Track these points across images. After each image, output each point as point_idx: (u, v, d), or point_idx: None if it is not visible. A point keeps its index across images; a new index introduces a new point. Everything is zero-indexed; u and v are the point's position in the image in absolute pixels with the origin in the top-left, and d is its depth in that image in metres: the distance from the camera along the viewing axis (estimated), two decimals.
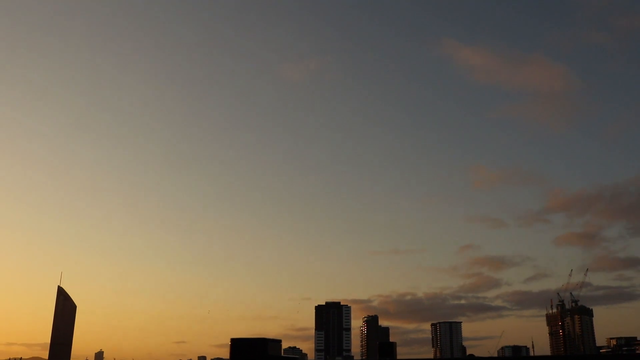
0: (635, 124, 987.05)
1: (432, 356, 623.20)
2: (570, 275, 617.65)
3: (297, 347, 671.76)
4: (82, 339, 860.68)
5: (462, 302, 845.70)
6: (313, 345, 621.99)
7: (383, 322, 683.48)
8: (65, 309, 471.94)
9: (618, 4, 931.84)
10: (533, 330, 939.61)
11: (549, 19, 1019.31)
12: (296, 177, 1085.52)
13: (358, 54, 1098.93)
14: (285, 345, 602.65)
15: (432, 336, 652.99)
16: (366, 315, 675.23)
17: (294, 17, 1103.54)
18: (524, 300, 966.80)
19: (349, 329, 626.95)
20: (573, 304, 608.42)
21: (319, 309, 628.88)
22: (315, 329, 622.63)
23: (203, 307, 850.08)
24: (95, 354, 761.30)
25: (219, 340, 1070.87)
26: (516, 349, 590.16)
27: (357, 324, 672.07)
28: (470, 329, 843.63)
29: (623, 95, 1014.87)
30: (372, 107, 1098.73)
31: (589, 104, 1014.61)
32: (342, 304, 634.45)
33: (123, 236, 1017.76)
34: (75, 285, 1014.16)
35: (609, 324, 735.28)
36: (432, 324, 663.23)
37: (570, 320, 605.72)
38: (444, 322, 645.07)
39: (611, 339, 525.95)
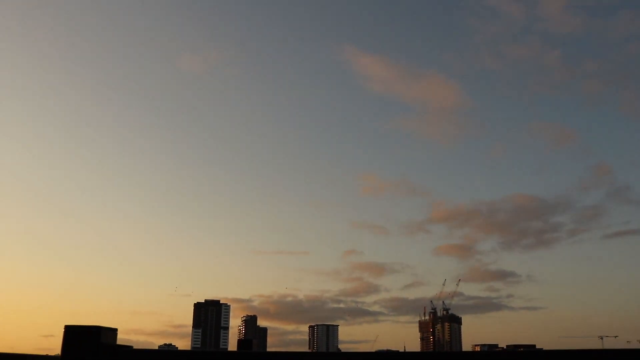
0: (515, 147, 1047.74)
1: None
2: (444, 284, 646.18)
3: (173, 344, 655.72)
4: None
5: (342, 305, 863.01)
6: (190, 343, 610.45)
7: (262, 323, 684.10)
8: None
9: (511, 34, 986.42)
10: (406, 336, 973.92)
11: (447, 38, 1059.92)
12: (183, 171, 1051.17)
13: (259, 50, 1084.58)
14: (160, 342, 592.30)
15: (310, 338, 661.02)
16: (245, 315, 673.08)
17: (195, 6, 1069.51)
18: (400, 307, 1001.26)
19: (227, 328, 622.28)
20: (444, 312, 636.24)
21: (197, 307, 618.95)
22: (193, 327, 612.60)
23: (76, 301, 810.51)
24: None
25: None
26: None
27: (236, 323, 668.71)
28: (347, 332, 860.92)
29: (507, 118, 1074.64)
30: (267, 106, 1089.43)
31: (476, 124, 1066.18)
32: (221, 302, 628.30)
33: None
34: None
35: (476, 331, 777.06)
36: (310, 326, 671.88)
37: (440, 327, 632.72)
38: (322, 325, 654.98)
39: (476, 345, 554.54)
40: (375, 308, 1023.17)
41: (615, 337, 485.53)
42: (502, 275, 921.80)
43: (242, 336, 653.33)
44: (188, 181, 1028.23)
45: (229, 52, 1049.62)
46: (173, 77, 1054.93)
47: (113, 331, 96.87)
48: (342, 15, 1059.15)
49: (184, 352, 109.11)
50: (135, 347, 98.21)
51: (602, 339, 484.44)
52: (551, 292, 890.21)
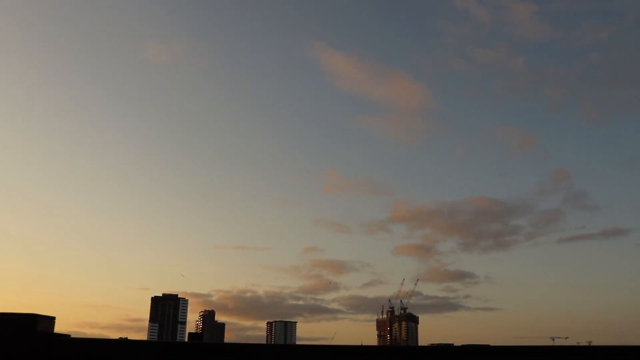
0: (478, 149, 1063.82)
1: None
2: (402, 284, 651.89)
3: (129, 338, 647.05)
4: None
5: (301, 302, 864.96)
6: (146, 337, 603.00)
7: (220, 318, 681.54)
8: None
9: (479, 38, 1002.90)
10: (363, 334, 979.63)
11: (417, 39, 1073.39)
12: (144, 163, 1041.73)
13: (227, 43, 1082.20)
14: (116, 335, 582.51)
15: (267, 334, 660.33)
16: (203, 310, 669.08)
17: None
18: (359, 305, 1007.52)
19: (184, 323, 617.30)
20: (402, 311, 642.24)
21: (155, 300, 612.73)
22: (150, 321, 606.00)
23: (33, 294, 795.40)
24: None
25: None
26: None
27: (193, 317, 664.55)
28: (305, 329, 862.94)
29: (472, 121, 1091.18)
30: (233, 99, 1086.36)
31: (440, 125, 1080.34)
32: (180, 296, 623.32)
33: None
34: None
35: (433, 330, 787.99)
36: (268, 322, 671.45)
37: (398, 325, 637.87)
38: (280, 321, 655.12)
39: (432, 344, 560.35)
40: (334, 305, 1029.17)
41: (566, 338, 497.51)
42: (460, 276, 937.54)
43: (199, 332, 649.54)
44: (149, 174, 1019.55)
45: (196, 44, 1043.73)
46: (138, 67, 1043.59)
47: (50, 320, 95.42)
48: (313, 11, 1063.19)
49: (120, 342, 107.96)
50: (72, 337, 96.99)
51: (553, 339, 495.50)
52: (507, 293, 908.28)
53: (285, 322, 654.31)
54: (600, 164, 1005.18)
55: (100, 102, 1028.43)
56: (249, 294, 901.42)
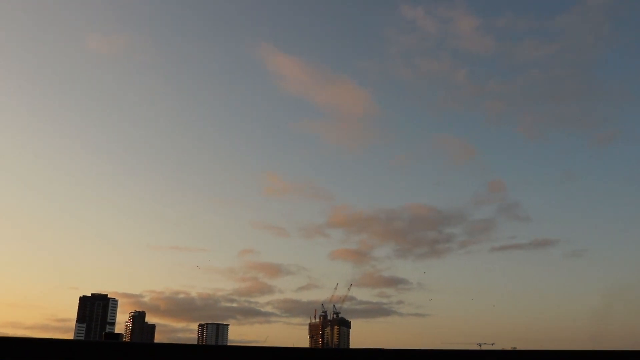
0: (417, 157, 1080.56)
1: None
2: (336, 288, 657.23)
3: (55, 338, 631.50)
4: None
5: (234, 305, 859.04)
6: (72, 338, 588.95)
7: (151, 319, 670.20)
8: None
9: (424, 48, 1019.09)
10: (296, 338, 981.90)
11: (363, 46, 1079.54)
12: (79, 158, 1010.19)
13: (171, 39, 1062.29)
14: (40, 336, 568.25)
15: (199, 336, 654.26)
16: (133, 311, 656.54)
17: None
18: (293, 309, 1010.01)
19: (113, 324, 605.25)
20: (335, 316, 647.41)
21: (83, 300, 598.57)
22: (77, 321, 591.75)
23: None
24: None
25: None
26: None
27: (123, 318, 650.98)
28: (237, 332, 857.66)
29: (413, 129, 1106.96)
30: (174, 97, 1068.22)
31: (382, 132, 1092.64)
32: (109, 296, 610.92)
33: None
34: None
35: (365, 335, 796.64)
36: (199, 325, 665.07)
37: (330, 330, 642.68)
38: (212, 324, 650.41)
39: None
40: (268, 309, 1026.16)
41: (492, 344, 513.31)
42: (394, 282, 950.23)
43: (129, 333, 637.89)
44: (81, 169, 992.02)
45: (139, 37, 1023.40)
46: (80, 56, 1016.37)
47: None
48: (260, 12, 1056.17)
49: (20, 340, 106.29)
50: None
51: (480, 345, 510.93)
52: (439, 300, 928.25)
53: (217, 325, 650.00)
54: (534, 176, 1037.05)
55: (36, 92, 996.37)
56: (182, 295, 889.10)
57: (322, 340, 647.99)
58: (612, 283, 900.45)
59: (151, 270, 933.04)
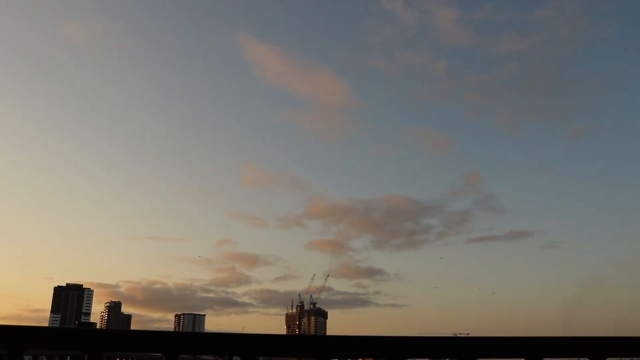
0: (396, 149, 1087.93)
1: None
2: (312, 279, 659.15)
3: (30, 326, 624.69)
4: None
5: (211, 295, 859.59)
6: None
7: (127, 309, 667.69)
8: None
9: (404, 40, 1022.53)
10: (273, 328, 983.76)
11: (343, 37, 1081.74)
12: (55, 146, 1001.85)
13: (148, 27, 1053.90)
14: None
15: (175, 327, 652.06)
16: (109, 301, 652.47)
17: None
18: (270, 299, 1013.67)
19: (88, 314, 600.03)
20: (311, 306, 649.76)
21: (57, 290, 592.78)
22: (51, 312, 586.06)
23: None
24: None
25: None
26: None
27: (99, 309, 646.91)
28: (214, 322, 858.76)
29: (392, 121, 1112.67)
30: (151, 85, 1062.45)
31: (361, 123, 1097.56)
32: (85, 287, 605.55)
33: None
34: None
35: (341, 325, 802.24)
36: (176, 315, 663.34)
37: (307, 320, 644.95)
38: (189, 314, 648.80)
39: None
40: (245, 299, 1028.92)
41: (468, 334, 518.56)
42: (371, 273, 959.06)
43: (104, 323, 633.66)
44: (58, 159, 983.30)
45: (115, 25, 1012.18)
46: (55, 43, 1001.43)
47: None
48: (239, 1, 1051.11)
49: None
50: None
51: (455, 335, 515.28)
52: (415, 290, 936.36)
53: (194, 315, 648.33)
54: (510, 169, 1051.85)
55: (7, 78, 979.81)
56: (158, 285, 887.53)
57: (299, 331, 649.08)
58: (585, 274, 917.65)
59: (127, 260, 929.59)
